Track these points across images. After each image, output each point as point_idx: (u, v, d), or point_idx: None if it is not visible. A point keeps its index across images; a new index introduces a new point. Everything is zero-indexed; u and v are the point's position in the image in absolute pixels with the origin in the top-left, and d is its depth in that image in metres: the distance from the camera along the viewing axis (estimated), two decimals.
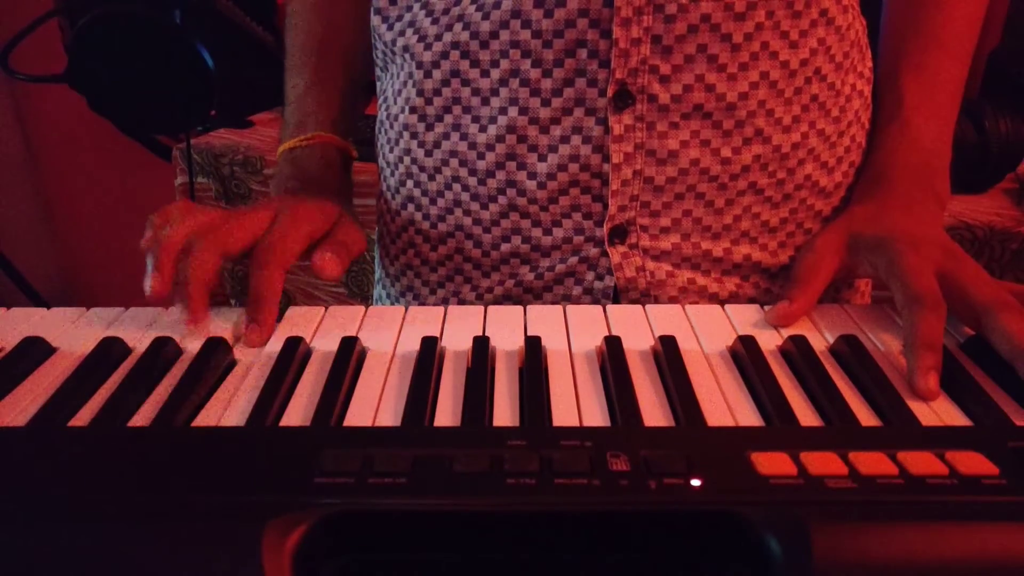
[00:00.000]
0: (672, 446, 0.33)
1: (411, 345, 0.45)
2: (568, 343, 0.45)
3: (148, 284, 0.46)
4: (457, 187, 0.57)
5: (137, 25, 1.30)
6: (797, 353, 0.43)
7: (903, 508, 0.29)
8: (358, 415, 0.38)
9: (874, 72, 0.60)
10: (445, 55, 0.54)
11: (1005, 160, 1.14)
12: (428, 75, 0.55)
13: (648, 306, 0.50)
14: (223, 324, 0.48)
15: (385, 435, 0.35)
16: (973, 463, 0.31)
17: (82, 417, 0.38)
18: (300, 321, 0.48)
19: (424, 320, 0.48)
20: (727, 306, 0.50)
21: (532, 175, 0.54)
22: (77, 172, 1.94)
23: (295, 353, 0.43)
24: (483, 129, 0.54)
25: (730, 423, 0.38)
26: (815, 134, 0.55)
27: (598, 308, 0.49)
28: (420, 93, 0.56)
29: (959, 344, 0.45)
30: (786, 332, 0.46)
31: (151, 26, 1.30)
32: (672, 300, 0.56)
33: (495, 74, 0.53)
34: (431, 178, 0.58)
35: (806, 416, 0.38)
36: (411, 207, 0.61)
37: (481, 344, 0.43)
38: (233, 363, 0.44)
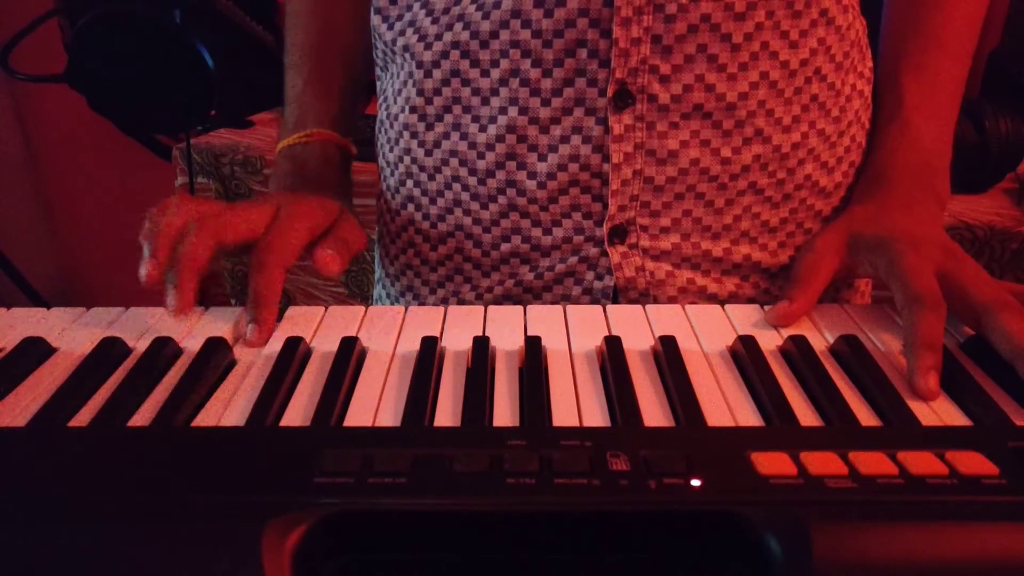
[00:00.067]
0: (672, 446, 0.33)
1: (411, 345, 0.45)
2: (568, 343, 0.45)
3: (142, 270, 0.46)
4: (457, 187, 0.57)
5: (137, 25, 1.30)
6: (797, 353, 0.43)
7: (903, 508, 0.29)
8: (358, 415, 0.38)
9: (874, 72, 0.60)
10: (445, 55, 0.54)
11: (1005, 160, 1.14)
12: (428, 75, 0.55)
13: (648, 306, 0.50)
14: (223, 324, 0.48)
15: (385, 435, 0.35)
16: (973, 463, 0.31)
17: (82, 417, 0.38)
18: (300, 321, 0.48)
19: (424, 320, 0.48)
20: (727, 306, 0.50)
21: (532, 175, 0.54)
22: (77, 172, 1.94)
23: (295, 353, 0.43)
24: (483, 129, 0.54)
25: (730, 423, 0.38)
26: (815, 134, 0.55)
27: (598, 308, 0.49)
28: (420, 93, 0.56)
29: (959, 344, 0.45)
30: (786, 332, 0.46)
31: (151, 26, 1.30)
32: (671, 300, 0.56)
33: (495, 74, 0.53)
34: (431, 178, 0.58)
35: (806, 416, 0.38)
36: (411, 207, 0.61)
37: (481, 344, 0.43)
38: (233, 363, 0.44)
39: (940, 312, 0.43)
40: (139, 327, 0.47)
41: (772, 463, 0.31)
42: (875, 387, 0.40)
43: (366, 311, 0.49)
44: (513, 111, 0.53)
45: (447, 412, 0.39)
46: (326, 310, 0.50)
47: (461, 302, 0.61)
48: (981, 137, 1.11)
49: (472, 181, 0.56)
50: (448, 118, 0.56)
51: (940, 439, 0.34)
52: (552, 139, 0.53)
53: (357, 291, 1.41)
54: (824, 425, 0.37)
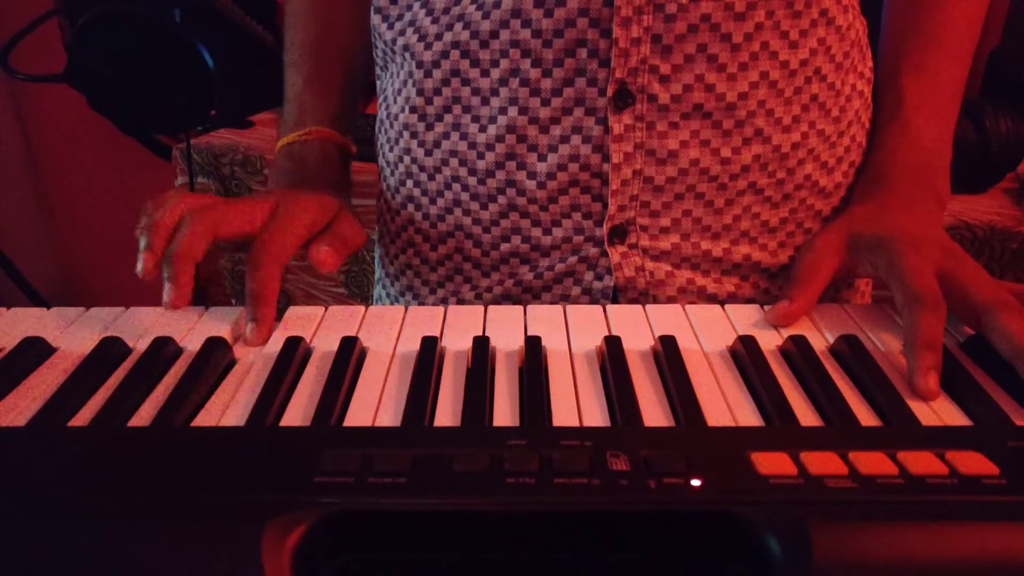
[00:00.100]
0: (672, 446, 0.33)
1: (411, 345, 0.45)
2: (568, 343, 0.45)
3: (139, 264, 0.46)
4: (457, 187, 0.57)
5: (137, 25, 1.30)
6: (797, 353, 0.43)
7: (903, 508, 0.29)
8: (358, 415, 0.38)
9: (874, 72, 0.60)
10: (445, 54, 0.54)
11: (1005, 160, 1.14)
12: (428, 74, 0.55)
13: (648, 306, 0.50)
14: (223, 324, 0.48)
15: (385, 435, 0.35)
16: (973, 463, 0.31)
17: (82, 417, 0.38)
18: (300, 321, 0.48)
19: (424, 320, 0.48)
20: (727, 306, 0.50)
21: (532, 175, 0.54)
22: (77, 172, 1.94)
23: (295, 353, 0.43)
24: (483, 129, 0.54)
25: (730, 423, 0.38)
26: (815, 134, 0.55)
27: (598, 308, 0.49)
28: (420, 92, 0.56)
29: (959, 344, 0.45)
30: (786, 332, 0.46)
31: (151, 26, 1.30)
32: (671, 300, 0.56)
33: (495, 74, 0.53)
34: (431, 178, 0.58)
35: (806, 416, 0.38)
36: (411, 207, 0.61)
37: (481, 344, 0.43)
38: (233, 362, 0.44)
39: (940, 312, 0.43)
40: (139, 327, 0.47)
41: (772, 463, 0.31)
42: (875, 387, 0.40)
43: (366, 311, 0.49)
44: (513, 111, 0.53)
45: (447, 412, 0.39)
46: (326, 310, 0.50)
47: (461, 302, 0.61)
48: (981, 137, 1.11)
49: (472, 181, 0.56)
50: (448, 118, 0.56)
51: (940, 439, 0.34)
52: (552, 139, 0.53)
53: (357, 291, 1.41)
54: (824, 425, 0.37)
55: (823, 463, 0.31)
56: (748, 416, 0.38)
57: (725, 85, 0.51)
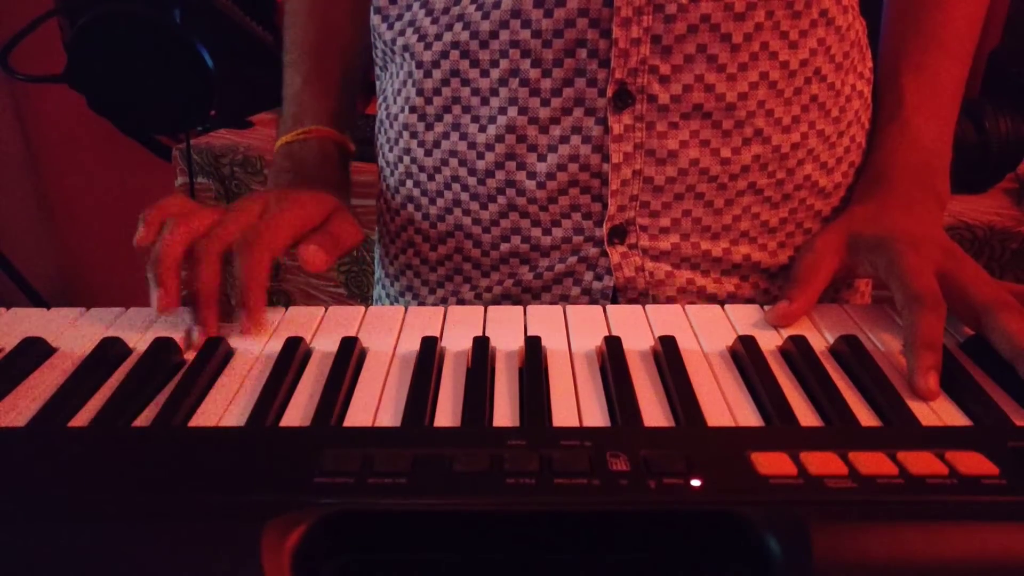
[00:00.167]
0: (672, 446, 0.33)
1: (411, 345, 0.45)
2: (568, 343, 0.45)
3: (155, 304, 0.46)
4: (457, 187, 0.57)
5: (137, 25, 1.30)
6: (797, 353, 0.43)
7: (903, 508, 0.29)
8: (358, 415, 0.38)
9: (874, 72, 0.60)
10: (445, 55, 0.54)
11: (1005, 160, 1.14)
12: (428, 75, 0.55)
13: (648, 306, 0.50)
14: (222, 324, 0.47)
15: (385, 435, 0.35)
16: (973, 463, 0.31)
17: (82, 417, 0.38)
18: (300, 321, 0.48)
19: (424, 320, 0.48)
20: (727, 306, 0.50)
21: (532, 175, 0.54)
22: (77, 172, 1.94)
23: (295, 353, 0.43)
24: (483, 129, 0.54)
25: (730, 423, 0.38)
26: (815, 134, 0.55)
27: (598, 308, 0.49)
28: (420, 92, 0.56)
29: (959, 344, 0.45)
30: (786, 332, 0.46)
31: (151, 26, 1.30)
32: (671, 300, 0.56)
33: (495, 74, 0.53)
34: (431, 178, 0.58)
35: (806, 416, 0.38)
36: (411, 207, 0.61)
37: (481, 344, 0.43)
38: (231, 352, 0.44)
39: (940, 312, 0.43)
40: (139, 327, 0.47)
41: (772, 463, 0.31)
42: (875, 387, 0.40)
43: (366, 311, 0.49)
44: (513, 111, 0.53)
45: (447, 412, 0.39)
46: (326, 310, 0.50)
47: (460, 302, 0.61)
48: (981, 137, 1.11)
49: (472, 181, 0.56)
50: (448, 118, 0.56)
51: (940, 439, 0.34)
52: (552, 139, 0.53)
53: (357, 291, 1.41)
54: (824, 425, 0.37)
55: (823, 463, 0.31)
56: (748, 416, 0.38)
57: (725, 85, 0.51)
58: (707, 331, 0.46)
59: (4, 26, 1.46)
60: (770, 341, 0.45)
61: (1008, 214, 1.14)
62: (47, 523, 0.29)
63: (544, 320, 0.48)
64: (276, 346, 0.44)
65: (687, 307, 0.49)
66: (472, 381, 0.40)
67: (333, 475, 0.31)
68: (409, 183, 0.60)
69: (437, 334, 0.46)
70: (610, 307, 0.49)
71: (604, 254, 0.55)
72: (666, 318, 0.48)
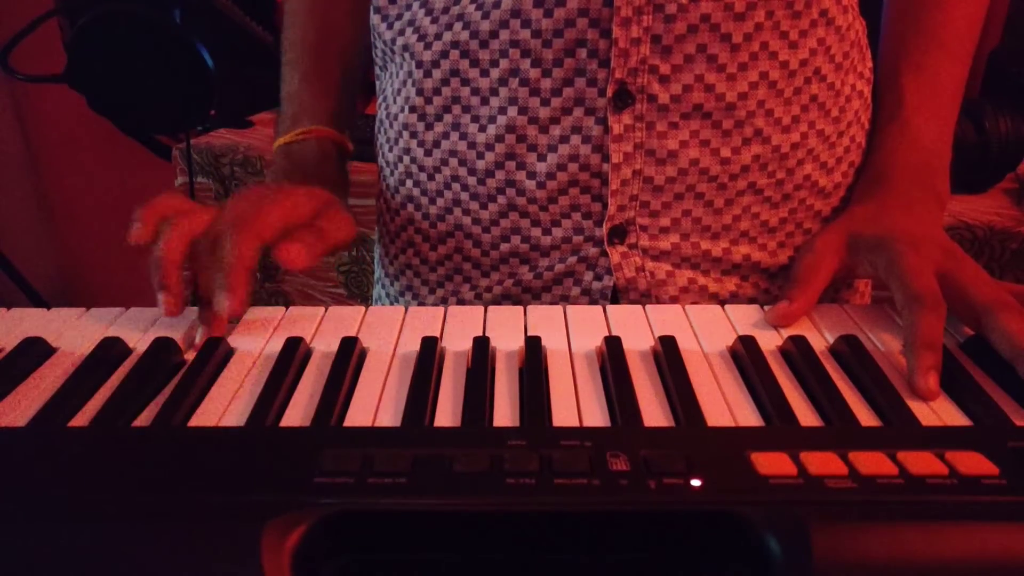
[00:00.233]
0: (672, 446, 0.33)
1: (411, 345, 0.45)
2: (568, 343, 0.45)
3: (162, 308, 0.46)
4: (456, 186, 0.57)
5: (137, 25, 1.30)
6: (797, 353, 0.43)
7: (903, 508, 0.29)
8: (358, 415, 0.38)
9: (874, 72, 0.60)
10: (445, 54, 0.54)
11: (1005, 160, 1.14)
12: (428, 74, 0.55)
13: (648, 306, 0.50)
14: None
15: (385, 435, 0.35)
16: (973, 463, 0.31)
17: (82, 417, 0.38)
18: (300, 321, 0.48)
19: (424, 320, 0.48)
20: (727, 306, 0.50)
21: (532, 175, 0.54)
22: (77, 172, 1.94)
23: (295, 353, 0.43)
24: (483, 129, 0.54)
25: (730, 423, 0.38)
26: (814, 134, 0.55)
27: (598, 308, 0.49)
28: (420, 92, 0.56)
29: (959, 344, 0.45)
30: (786, 332, 0.46)
31: (151, 26, 1.30)
32: (673, 300, 0.56)
33: (495, 73, 0.53)
34: (430, 177, 0.58)
35: (806, 416, 0.38)
36: (410, 206, 0.61)
37: (481, 344, 0.43)
38: (231, 352, 0.44)
39: (940, 312, 0.43)
40: (139, 327, 0.47)
41: (772, 463, 0.31)
42: (875, 387, 0.40)
43: (366, 311, 0.49)
44: (513, 111, 0.53)
45: (447, 412, 0.39)
46: (326, 310, 0.50)
47: (460, 302, 0.61)
48: (981, 137, 1.11)
49: (472, 181, 0.56)
50: (447, 118, 0.56)
51: (940, 439, 0.34)
52: (552, 139, 0.53)
53: (357, 291, 1.41)
54: (824, 425, 0.37)
55: (823, 463, 0.31)
56: (748, 416, 0.38)
57: (725, 85, 0.51)
58: (707, 331, 0.46)
59: (4, 26, 1.46)
60: (770, 341, 0.45)
61: (1008, 214, 1.14)
62: (47, 523, 0.29)
63: (544, 320, 0.48)
64: (276, 346, 0.44)
65: (687, 307, 0.49)
66: (472, 381, 0.40)
67: (333, 475, 0.31)
68: (409, 183, 0.60)
69: (437, 334, 0.46)
70: (610, 307, 0.49)
71: (604, 254, 0.55)
72: (666, 318, 0.48)
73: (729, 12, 0.50)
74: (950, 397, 0.40)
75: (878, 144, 0.59)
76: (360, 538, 0.31)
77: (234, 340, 0.46)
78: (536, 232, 0.56)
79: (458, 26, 0.53)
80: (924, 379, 0.40)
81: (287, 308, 0.50)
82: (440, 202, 0.59)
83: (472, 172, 0.56)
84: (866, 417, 0.38)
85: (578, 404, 0.39)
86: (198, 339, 0.46)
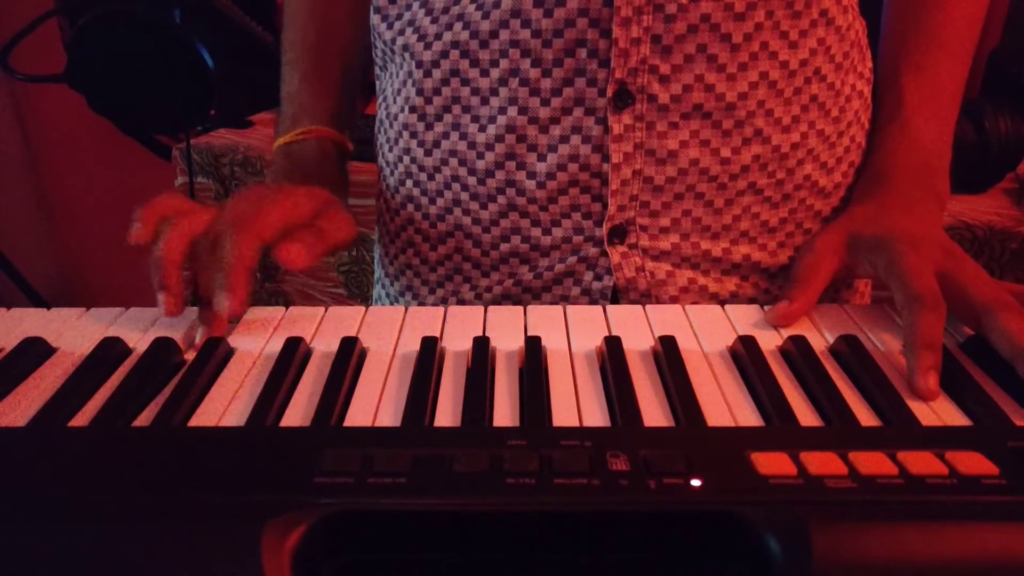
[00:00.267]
0: (672, 446, 0.33)
1: (411, 345, 0.45)
2: (568, 343, 0.45)
3: (162, 308, 0.46)
4: (456, 186, 0.57)
5: (137, 25, 1.30)
6: (797, 353, 0.43)
7: (903, 508, 0.29)
8: (358, 415, 0.38)
9: (874, 72, 0.60)
10: (445, 54, 0.54)
11: (1005, 160, 1.14)
12: (428, 74, 0.55)
13: (648, 306, 0.50)
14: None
15: (385, 435, 0.35)
16: (973, 463, 0.31)
17: (82, 417, 0.38)
18: (300, 321, 0.48)
19: (424, 320, 0.48)
20: (727, 306, 0.50)
21: (531, 175, 0.54)
22: (77, 172, 1.94)
23: (295, 353, 0.43)
24: (483, 128, 0.54)
25: (730, 423, 0.38)
26: (814, 134, 0.55)
27: (598, 308, 0.49)
28: (420, 92, 0.56)
29: (959, 344, 0.45)
30: (786, 332, 0.46)
31: (151, 26, 1.30)
32: (673, 300, 0.56)
33: (495, 73, 0.53)
34: (430, 177, 0.58)
35: (806, 416, 0.38)
36: (410, 206, 0.61)
37: (481, 344, 0.43)
38: (231, 352, 0.44)
39: (940, 312, 0.43)
40: (139, 327, 0.47)
41: (772, 463, 0.31)
42: (875, 387, 0.40)
43: (366, 311, 0.49)
44: (513, 111, 0.53)
45: (447, 412, 0.39)
46: (326, 310, 0.50)
47: (460, 302, 0.61)
48: (981, 137, 1.11)
49: (471, 181, 0.56)
50: (447, 118, 0.56)
51: (940, 439, 0.34)
52: (552, 139, 0.53)
53: (357, 291, 1.41)
54: (824, 425, 0.37)
55: (823, 463, 0.31)
56: (748, 416, 0.38)
57: (725, 85, 0.51)
58: (707, 331, 0.46)
59: (4, 26, 1.46)
60: (770, 341, 0.45)
61: (1008, 214, 1.14)
62: (47, 523, 0.29)
63: (544, 320, 0.48)
64: (276, 346, 0.44)
65: (687, 307, 0.49)
66: (472, 381, 0.40)
67: (333, 475, 0.31)
68: (409, 183, 0.60)
69: (437, 334, 0.46)
70: (610, 307, 0.49)
71: (604, 254, 0.55)
72: (666, 318, 0.48)
73: (729, 12, 0.50)
74: (950, 397, 0.40)
75: (878, 144, 0.59)
76: (360, 538, 0.31)
77: (234, 340, 0.46)
78: (536, 232, 0.56)
79: (458, 26, 0.53)
80: (924, 379, 0.40)
81: (287, 308, 0.50)
82: (440, 202, 0.59)
83: (472, 172, 0.56)
84: (866, 417, 0.38)
85: (578, 404, 0.39)
86: (198, 339, 0.46)
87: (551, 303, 0.58)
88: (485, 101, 0.54)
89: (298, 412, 0.39)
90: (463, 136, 0.55)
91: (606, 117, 0.52)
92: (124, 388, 0.40)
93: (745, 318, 0.48)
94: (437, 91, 0.55)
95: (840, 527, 0.29)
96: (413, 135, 0.58)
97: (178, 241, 0.46)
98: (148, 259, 0.46)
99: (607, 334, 0.46)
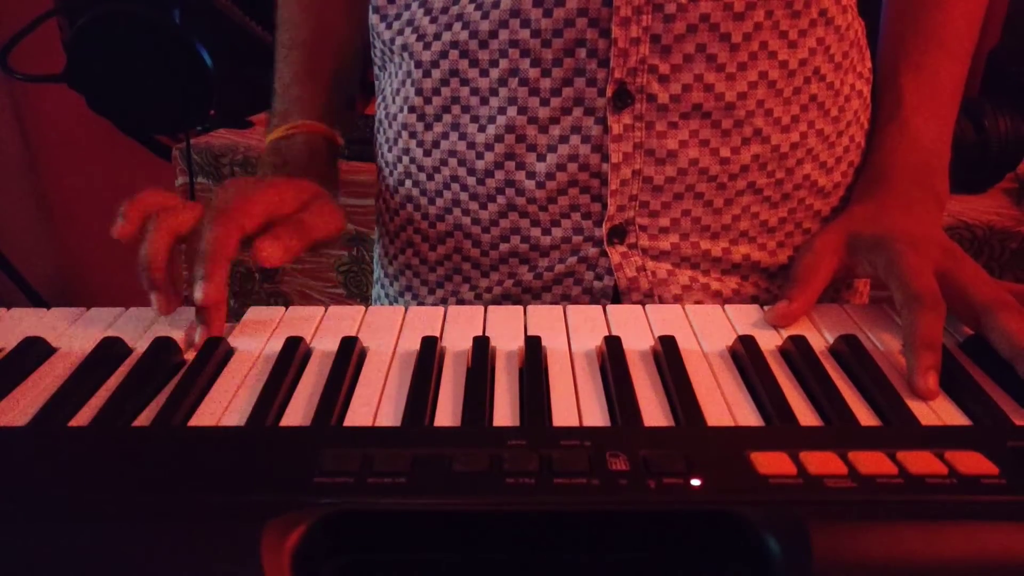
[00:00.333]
0: (672, 446, 0.33)
1: (411, 345, 0.45)
2: (568, 343, 0.45)
3: (156, 309, 0.46)
4: (456, 187, 0.57)
5: (136, 25, 1.30)
6: (797, 353, 0.43)
7: (902, 508, 0.29)
8: (358, 415, 0.38)
9: (873, 72, 0.60)
10: (444, 54, 0.54)
11: (1005, 159, 1.14)
12: (427, 74, 0.55)
13: (648, 306, 0.50)
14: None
15: (385, 435, 0.35)
16: (972, 463, 0.31)
17: (82, 417, 0.38)
18: (300, 321, 0.48)
19: (424, 320, 0.48)
20: (727, 306, 0.50)
21: (531, 175, 0.54)
22: (77, 172, 1.94)
23: (295, 353, 0.43)
24: (482, 129, 0.54)
25: (730, 423, 0.38)
26: (814, 134, 0.55)
27: (598, 308, 0.49)
28: (419, 92, 0.56)
29: (959, 344, 0.45)
30: (786, 332, 0.46)
31: (150, 26, 1.30)
32: (676, 299, 0.56)
33: (494, 73, 0.53)
34: (430, 177, 0.58)
35: (806, 416, 0.38)
36: (410, 207, 0.61)
37: (481, 344, 0.43)
38: (231, 352, 0.44)
39: (939, 312, 0.43)
40: (139, 327, 0.47)
41: (772, 463, 0.31)
42: (875, 387, 0.40)
43: (366, 311, 0.49)
44: (512, 111, 0.53)
45: (447, 412, 0.39)
46: (326, 310, 0.50)
47: (460, 302, 0.61)
48: (981, 136, 1.11)
49: (471, 181, 0.56)
50: (447, 118, 0.56)
51: (940, 439, 0.34)
52: (551, 139, 0.53)
53: (356, 291, 1.41)
54: (824, 425, 0.37)
55: (823, 463, 0.31)
56: (748, 416, 0.38)
57: (724, 85, 0.51)
58: (707, 331, 0.46)
59: (4, 26, 1.46)
60: (770, 341, 0.45)
61: (1008, 214, 1.14)
62: (47, 523, 0.29)
63: (544, 320, 0.48)
64: (276, 346, 0.44)
65: (687, 307, 0.49)
66: (472, 381, 0.40)
67: (333, 475, 0.31)
68: (408, 183, 0.60)
69: (437, 334, 0.46)
70: (610, 307, 0.50)
71: (604, 254, 0.55)
72: (666, 318, 0.48)
73: (728, 12, 0.50)
74: (950, 397, 0.40)
75: (877, 144, 0.59)
76: (360, 538, 0.31)
77: (234, 340, 0.46)
78: (536, 232, 0.56)
79: (457, 26, 0.53)
80: (923, 379, 0.40)
81: (287, 308, 0.50)
82: (439, 202, 0.59)
83: (471, 172, 0.56)
84: (866, 417, 0.38)
85: (578, 404, 0.39)
86: (198, 339, 0.46)
87: (551, 303, 0.58)
88: (484, 101, 0.54)
89: (298, 412, 0.39)
90: (462, 136, 0.55)
91: (605, 117, 0.52)
92: (124, 388, 0.40)
93: (745, 318, 0.48)
94: (436, 91, 0.55)
95: (840, 527, 0.29)
96: (412, 135, 0.58)
97: (162, 240, 0.46)
98: (136, 257, 0.46)
99: (607, 334, 0.46)
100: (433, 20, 0.54)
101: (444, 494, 0.30)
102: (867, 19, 0.59)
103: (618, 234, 0.55)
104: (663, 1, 0.49)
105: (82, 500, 0.30)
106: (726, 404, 0.39)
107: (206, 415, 0.39)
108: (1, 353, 0.44)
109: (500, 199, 0.56)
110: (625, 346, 0.43)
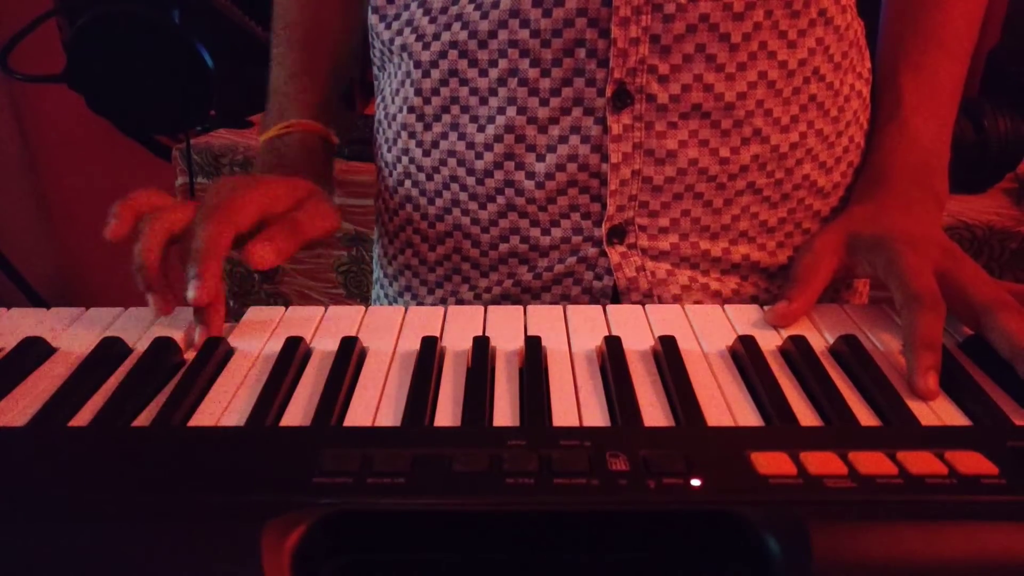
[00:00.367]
0: (672, 446, 0.33)
1: (411, 345, 0.45)
2: (568, 343, 0.45)
3: (154, 310, 0.46)
4: (455, 187, 0.57)
5: (136, 25, 1.30)
6: (797, 353, 0.43)
7: (902, 508, 0.29)
8: (358, 415, 0.38)
9: (873, 72, 0.60)
10: (443, 54, 0.54)
11: (1004, 159, 1.14)
12: (426, 74, 0.55)
13: (648, 306, 0.50)
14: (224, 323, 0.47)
15: (385, 435, 0.35)
16: (972, 463, 0.31)
17: (82, 417, 0.38)
18: (300, 321, 0.48)
19: (424, 320, 0.48)
20: (727, 306, 0.50)
21: (530, 175, 0.54)
22: (77, 172, 1.94)
23: (295, 353, 0.43)
24: (481, 129, 0.54)
25: (730, 423, 0.38)
26: (813, 134, 0.55)
27: (598, 308, 0.49)
28: (418, 92, 0.56)
29: (959, 344, 0.45)
30: (786, 332, 0.46)
31: (150, 26, 1.30)
32: (676, 299, 0.56)
33: (493, 74, 0.53)
34: (429, 178, 0.58)
35: (806, 416, 0.38)
36: (409, 207, 0.61)
37: (481, 344, 0.43)
38: (230, 352, 0.44)
39: (939, 312, 0.43)
40: (139, 327, 0.47)
41: (772, 463, 0.31)
42: (875, 387, 0.40)
43: (366, 311, 0.49)
44: (511, 111, 0.53)
45: (447, 412, 0.39)
46: (326, 310, 0.50)
47: (459, 302, 0.61)
48: (980, 136, 1.11)
49: (470, 181, 0.56)
50: (446, 118, 0.56)
51: (940, 439, 0.34)
52: (550, 139, 0.53)
53: (356, 291, 1.41)
54: (824, 425, 0.37)
55: (823, 463, 0.31)
56: (748, 416, 0.38)
57: (723, 85, 0.51)
58: (707, 331, 0.46)
59: (4, 26, 1.46)
60: (770, 341, 0.45)
61: (1007, 214, 1.14)
62: (47, 523, 0.29)
63: (544, 320, 0.48)
64: (276, 346, 0.44)
65: (687, 307, 0.49)
66: (472, 381, 0.40)
67: (333, 475, 0.31)
68: (408, 183, 0.60)
69: (437, 334, 0.46)
70: (610, 307, 0.50)
71: (603, 254, 0.55)
72: (666, 318, 0.48)
73: (728, 12, 0.50)
74: (950, 397, 0.40)
75: (877, 144, 0.59)
76: (360, 538, 0.31)
77: (234, 340, 0.46)
78: (535, 232, 0.56)
79: (456, 26, 0.53)
80: (923, 379, 0.40)
81: (287, 308, 0.50)
82: (439, 202, 0.59)
83: (471, 172, 0.56)
84: (866, 417, 0.38)
85: (578, 404, 0.39)
86: (198, 339, 0.46)
87: (551, 303, 0.58)
88: (484, 101, 0.54)
89: (298, 412, 0.39)
90: (462, 136, 0.55)
91: (605, 117, 0.52)
92: (124, 388, 0.40)
93: (745, 318, 0.48)
94: (435, 91, 0.55)
95: (840, 527, 0.29)
96: (412, 135, 0.58)
97: (154, 240, 0.45)
98: (131, 258, 0.46)
99: (607, 334, 0.46)
100: (432, 20, 0.54)
101: (444, 494, 0.30)
102: (867, 19, 0.59)
103: (617, 234, 0.55)
104: (662, 1, 0.49)
105: (82, 500, 0.30)
106: (726, 404, 0.39)
107: (206, 415, 0.39)
108: (1, 353, 0.44)
109: (499, 199, 0.56)
110: (625, 346, 0.44)
